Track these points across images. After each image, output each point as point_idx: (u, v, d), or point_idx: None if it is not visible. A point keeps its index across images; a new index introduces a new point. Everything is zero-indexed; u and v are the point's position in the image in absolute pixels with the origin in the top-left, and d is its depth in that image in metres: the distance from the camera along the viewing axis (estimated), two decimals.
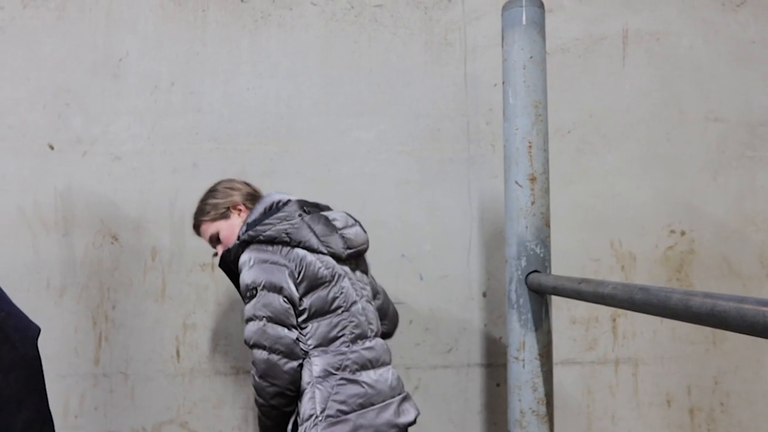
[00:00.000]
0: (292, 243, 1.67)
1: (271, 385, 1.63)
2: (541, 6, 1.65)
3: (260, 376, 1.63)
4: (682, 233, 2.54)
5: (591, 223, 2.52)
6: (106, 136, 2.36)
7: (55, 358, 2.25)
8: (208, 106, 2.40)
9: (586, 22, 2.57)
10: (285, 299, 1.63)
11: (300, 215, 1.73)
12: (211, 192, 1.89)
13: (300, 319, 1.67)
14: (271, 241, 1.68)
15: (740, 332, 0.85)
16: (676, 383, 2.52)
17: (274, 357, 1.61)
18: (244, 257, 1.67)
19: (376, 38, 2.49)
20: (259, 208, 1.78)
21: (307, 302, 1.67)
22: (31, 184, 2.32)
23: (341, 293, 1.71)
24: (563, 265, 2.38)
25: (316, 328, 1.68)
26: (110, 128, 2.36)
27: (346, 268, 1.77)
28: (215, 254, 1.90)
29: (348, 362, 1.67)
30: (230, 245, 1.77)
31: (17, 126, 2.33)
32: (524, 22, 1.62)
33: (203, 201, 1.88)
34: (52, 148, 2.34)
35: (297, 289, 1.65)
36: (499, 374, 2.44)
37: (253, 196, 1.88)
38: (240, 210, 1.84)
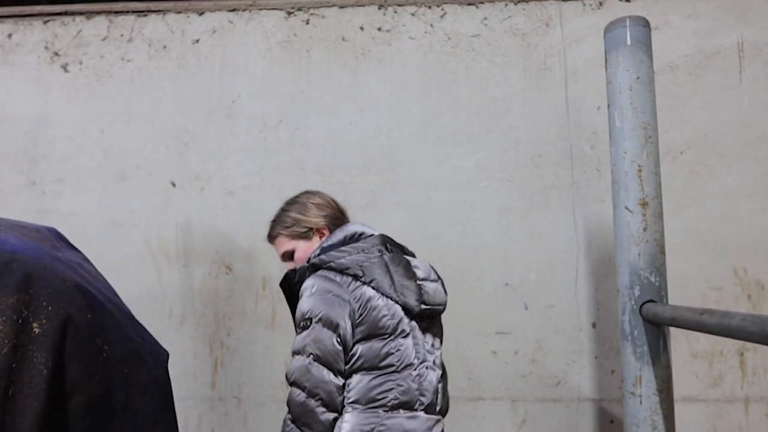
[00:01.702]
0: (364, 279, 1.49)
1: None
2: (647, 25, 1.59)
3: (293, 420, 1.46)
4: None
5: (710, 250, 2.35)
6: (221, 173, 2.53)
7: (176, 382, 2.36)
8: (313, 141, 2.51)
9: (695, 37, 2.45)
10: (338, 340, 1.44)
11: (380, 251, 1.55)
12: (296, 204, 1.70)
13: (347, 367, 1.48)
14: (342, 270, 1.50)
15: None
16: None
17: (312, 402, 1.44)
18: (308, 282, 1.51)
19: (473, 67, 2.50)
20: (339, 235, 1.61)
21: (359, 349, 1.48)
22: (155, 218, 2.52)
23: (397, 350, 1.49)
24: (680, 295, 2.23)
25: (359, 382, 1.47)
26: (224, 165, 2.53)
27: (414, 325, 1.55)
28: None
29: (382, 428, 1.45)
30: (298, 266, 1.62)
31: (143, 165, 2.56)
32: (629, 43, 1.57)
33: (285, 211, 1.69)
34: (173, 185, 2.53)
35: (353, 332, 1.47)
36: (613, 410, 2.30)
37: (339, 220, 1.70)
38: (323, 234, 1.66)
